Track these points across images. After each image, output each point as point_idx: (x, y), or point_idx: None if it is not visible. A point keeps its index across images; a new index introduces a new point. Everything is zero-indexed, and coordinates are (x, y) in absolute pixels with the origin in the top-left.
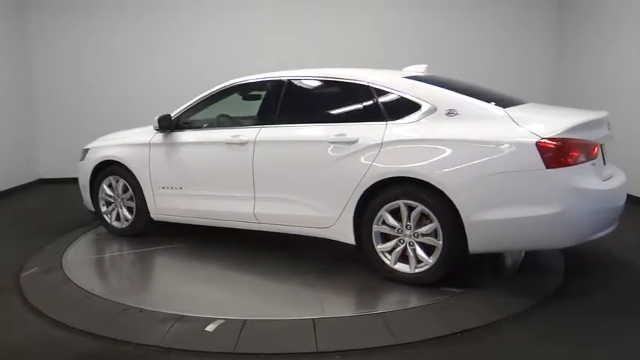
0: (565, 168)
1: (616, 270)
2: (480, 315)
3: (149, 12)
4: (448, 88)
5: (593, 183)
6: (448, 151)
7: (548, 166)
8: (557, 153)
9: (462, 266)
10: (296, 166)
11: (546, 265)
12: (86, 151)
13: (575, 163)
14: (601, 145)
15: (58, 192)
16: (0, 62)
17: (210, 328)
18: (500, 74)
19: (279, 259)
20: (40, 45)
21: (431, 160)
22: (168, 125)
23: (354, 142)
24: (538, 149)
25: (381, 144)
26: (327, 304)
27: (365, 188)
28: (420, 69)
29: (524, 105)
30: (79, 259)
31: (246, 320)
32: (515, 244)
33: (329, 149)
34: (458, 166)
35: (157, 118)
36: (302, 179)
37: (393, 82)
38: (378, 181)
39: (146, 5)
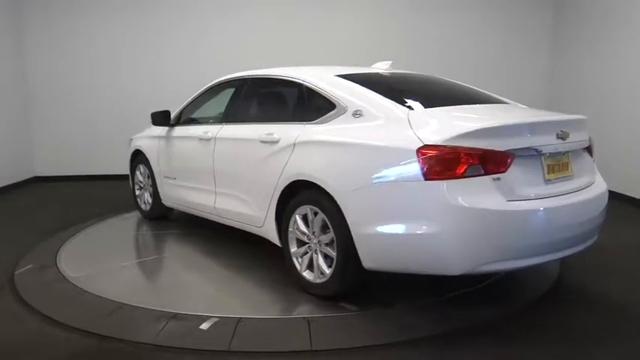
0: (447, 181)
1: (607, 271)
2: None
3: (148, 10)
4: (386, 86)
5: (490, 201)
6: (341, 156)
7: (426, 178)
8: (437, 163)
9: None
10: (240, 164)
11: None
12: (130, 140)
13: (463, 176)
14: (543, 156)
15: (53, 190)
16: None
17: (204, 326)
18: (495, 76)
19: (278, 255)
20: (37, 44)
21: (326, 165)
22: (162, 121)
23: (277, 142)
24: (418, 157)
25: (294, 145)
26: (320, 303)
27: (281, 190)
28: (384, 65)
29: (475, 105)
30: (73, 257)
31: (240, 318)
32: (402, 264)
33: (260, 148)
34: (347, 172)
35: (151, 113)
36: (243, 177)
37: (320, 82)
38: (291, 184)
39: (145, 3)
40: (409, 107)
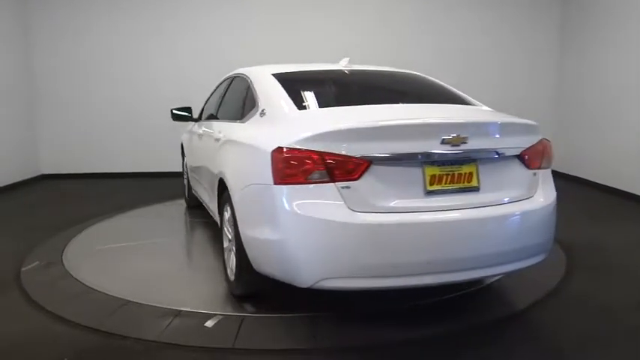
0: (289, 186)
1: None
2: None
3: (149, 10)
4: (310, 85)
5: (330, 211)
6: (237, 155)
7: (275, 182)
8: (283, 166)
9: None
10: (206, 160)
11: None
12: None
13: (307, 182)
14: (426, 163)
15: (59, 187)
16: (2, 62)
17: (209, 323)
18: (503, 73)
19: None
20: (42, 45)
21: (229, 164)
22: (181, 116)
23: (218, 140)
24: (271, 160)
25: (224, 143)
26: (327, 301)
27: (215, 187)
28: (343, 62)
29: (396, 105)
30: (79, 254)
31: (245, 316)
32: (270, 271)
33: (214, 145)
34: (238, 172)
35: (171, 109)
36: (207, 173)
37: (255, 80)
38: (220, 181)
39: (147, 3)
40: (305, 107)
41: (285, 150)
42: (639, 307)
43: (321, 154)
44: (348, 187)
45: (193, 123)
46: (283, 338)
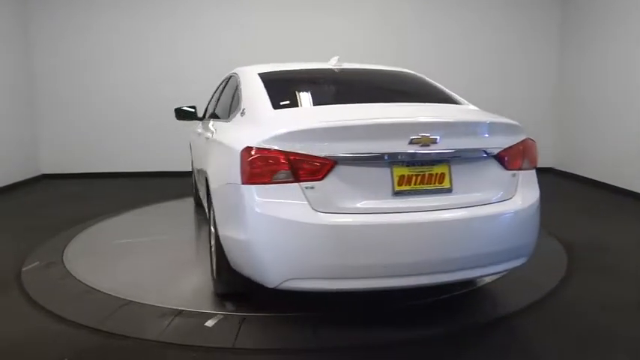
0: (255, 186)
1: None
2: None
3: (149, 9)
4: (293, 85)
5: (292, 212)
6: (216, 154)
7: (242, 182)
8: (250, 166)
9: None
10: (201, 159)
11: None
12: None
13: (272, 182)
14: (395, 164)
15: (60, 187)
16: (3, 62)
17: (209, 323)
18: (503, 73)
19: None
20: (42, 45)
21: (210, 162)
22: (184, 116)
23: (208, 139)
24: (240, 159)
25: (211, 142)
26: (325, 301)
27: (204, 185)
28: (332, 61)
29: (377, 104)
30: (80, 254)
31: (245, 316)
32: (243, 270)
33: (205, 145)
34: (217, 171)
35: (174, 109)
36: (201, 172)
37: (242, 80)
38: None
39: (146, 3)
40: (282, 106)
41: (253, 149)
42: (639, 307)
43: (287, 154)
44: (312, 188)
45: (199, 122)
46: (283, 338)
